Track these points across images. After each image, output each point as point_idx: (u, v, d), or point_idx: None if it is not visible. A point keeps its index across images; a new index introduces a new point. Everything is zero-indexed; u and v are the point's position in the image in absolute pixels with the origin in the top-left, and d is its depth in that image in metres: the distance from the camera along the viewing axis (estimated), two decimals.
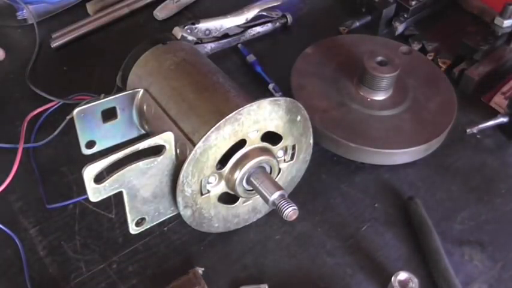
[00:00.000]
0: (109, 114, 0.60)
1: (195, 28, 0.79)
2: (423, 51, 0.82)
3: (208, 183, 0.55)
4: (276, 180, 0.57)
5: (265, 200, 0.54)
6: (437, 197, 0.66)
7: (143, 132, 0.63)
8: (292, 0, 0.92)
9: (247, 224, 0.62)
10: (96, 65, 0.80)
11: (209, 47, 0.81)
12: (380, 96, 0.71)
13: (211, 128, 0.50)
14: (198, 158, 0.51)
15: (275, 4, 0.86)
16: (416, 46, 0.83)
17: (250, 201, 0.60)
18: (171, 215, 0.57)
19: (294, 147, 0.59)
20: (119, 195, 0.51)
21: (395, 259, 0.60)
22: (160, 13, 0.88)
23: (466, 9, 0.90)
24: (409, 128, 0.69)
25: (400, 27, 0.85)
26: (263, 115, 0.53)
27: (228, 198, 0.58)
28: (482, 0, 0.87)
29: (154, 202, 0.54)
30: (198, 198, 0.55)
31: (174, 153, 0.51)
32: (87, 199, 0.51)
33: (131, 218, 0.53)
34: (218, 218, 0.59)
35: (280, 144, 0.57)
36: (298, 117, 0.57)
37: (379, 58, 0.69)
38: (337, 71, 0.75)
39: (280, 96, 0.70)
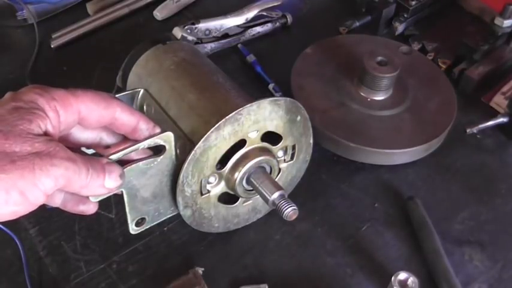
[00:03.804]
0: None
1: (195, 28, 0.79)
2: (423, 51, 0.82)
3: (208, 183, 0.55)
4: (276, 180, 0.57)
5: (265, 200, 0.54)
6: (437, 197, 0.66)
7: None
8: (292, 0, 0.92)
9: (247, 224, 0.62)
10: (96, 65, 0.80)
11: (209, 47, 0.81)
12: (380, 96, 0.71)
13: (211, 128, 0.50)
14: (198, 158, 0.51)
15: (275, 4, 0.86)
16: (416, 46, 0.83)
17: (250, 201, 0.60)
18: (171, 215, 0.57)
19: (294, 147, 0.59)
20: (119, 195, 0.51)
21: (395, 259, 0.61)
22: (160, 13, 0.88)
23: (466, 9, 0.90)
24: (409, 128, 0.69)
25: (400, 27, 0.85)
26: (263, 115, 0.53)
27: (228, 198, 0.58)
28: (482, 0, 0.87)
29: (154, 202, 0.53)
30: (198, 198, 0.55)
31: (174, 153, 0.51)
32: None
33: (131, 218, 0.53)
34: (218, 218, 0.59)
35: (280, 144, 0.57)
36: (298, 117, 0.57)
37: (379, 58, 0.69)
38: (337, 71, 0.75)
39: (280, 96, 0.70)
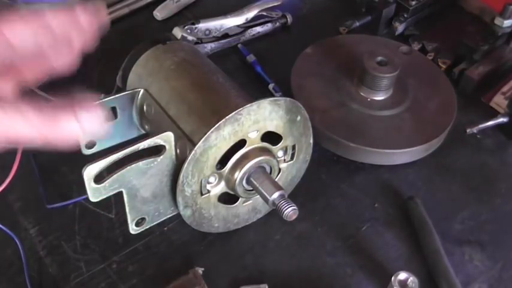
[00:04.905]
0: None
1: (195, 28, 0.79)
2: (423, 51, 0.82)
3: (208, 183, 0.55)
4: (276, 180, 0.57)
5: (265, 200, 0.54)
6: (437, 197, 0.66)
7: (143, 132, 0.63)
8: (292, 0, 0.92)
9: (247, 224, 0.62)
10: (96, 65, 0.80)
11: (209, 47, 0.81)
12: (380, 96, 0.71)
13: (211, 128, 0.50)
14: (198, 158, 0.51)
15: (275, 4, 0.86)
16: (416, 46, 0.83)
17: (250, 201, 0.60)
18: (171, 215, 0.57)
19: (294, 147, 0.59)
20: (119, 195, 0.51)
21: (395, 259, 0.60)
22: (160, 13, 0.88)
23: (466, 9, 0.90)
24: (409, 128, 0.69)
25: (400, 27, 0.85)
26: (263, 115, 0.53)
27: (228, 198, 0.58)
28: (482, 0, 0.87)
29: (154, 202, 0.54)
30: (198, 198, 0.55)
31: (174, 153, 0.51)
32: (87, 199, 0.51)
33: (131, 218, 0.53)
34: (218, 218, 0.59)
35: (280, 144, 0.57)
36: (298, 117, 0.57)
37: (379, 58, 0.69)
38: (337, 71, 0.75)
39: (280, 96, 0.70)
